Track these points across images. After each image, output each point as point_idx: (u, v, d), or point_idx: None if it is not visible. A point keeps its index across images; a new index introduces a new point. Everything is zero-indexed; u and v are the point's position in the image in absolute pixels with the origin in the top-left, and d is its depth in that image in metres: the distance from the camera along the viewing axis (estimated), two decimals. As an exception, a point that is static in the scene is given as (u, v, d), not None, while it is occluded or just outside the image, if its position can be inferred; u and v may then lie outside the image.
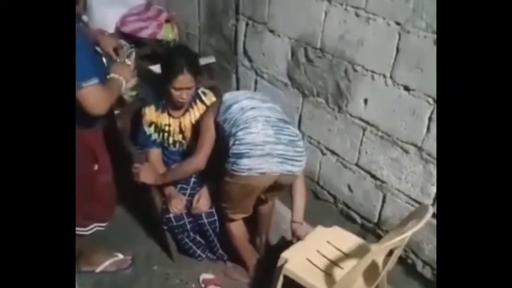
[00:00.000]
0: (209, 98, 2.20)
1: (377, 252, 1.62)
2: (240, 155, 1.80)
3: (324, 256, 1.90)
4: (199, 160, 1.99)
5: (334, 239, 1.98)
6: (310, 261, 1.87)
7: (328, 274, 1.81)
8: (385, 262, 1.76)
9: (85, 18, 2.07)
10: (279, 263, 1.85)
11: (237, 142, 1.82)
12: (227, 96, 2.00)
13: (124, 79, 1.75)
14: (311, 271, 1.82)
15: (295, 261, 1.84)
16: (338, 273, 1.80)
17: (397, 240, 1.57)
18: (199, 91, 2.19)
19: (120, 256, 2.29)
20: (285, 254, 1.86)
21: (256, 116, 1.87)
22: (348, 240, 1.97)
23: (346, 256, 1.90)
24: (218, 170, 1.93)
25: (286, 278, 1.83)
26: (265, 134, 1.83)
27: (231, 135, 1.85)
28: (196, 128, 2.12)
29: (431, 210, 1.59)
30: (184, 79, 1.97)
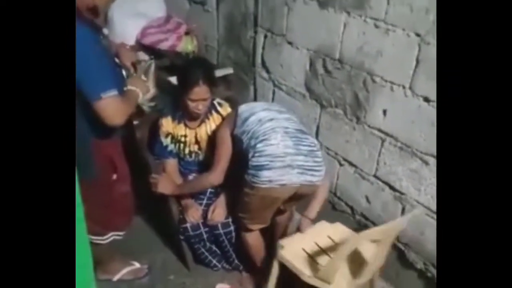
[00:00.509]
0: (225, 109, 2.21)
1: (356, 240, 1.69)
2: (260, 167, 1.80)
3: (319, 247, 1.93)
4: (216, 175, 2.00)
5: (334, 234, 2.00)
6: (305, 250, 1.90)
7: (318, 263, 1.84)
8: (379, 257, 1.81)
9: (105, 31, 2.11)
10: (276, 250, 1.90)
11: (256, 154, 1.82)
12: (243, 108, 2.00)
13: (141, 91, 1.79)
14: (303, 259, 1.86)
15: (290, 249, 1.88)
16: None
17: (375, 230, 1.67)
18: (215, 102, 2.21)
19: (137, 265, 2.31)
20: (282, 241, 1.91)
21: (274, 127, 1.87)
22: (348, 235, 1.96)
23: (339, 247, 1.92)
24: (235, 181, 1.93)
25: (285, 272, 1.87)
26: (285, 145, 1.82)
27: (250, 147, 1.85)
28: (212, 139, 2.14)
29: (420, 208, 1.69)
30: (200, 91, 1.99)
